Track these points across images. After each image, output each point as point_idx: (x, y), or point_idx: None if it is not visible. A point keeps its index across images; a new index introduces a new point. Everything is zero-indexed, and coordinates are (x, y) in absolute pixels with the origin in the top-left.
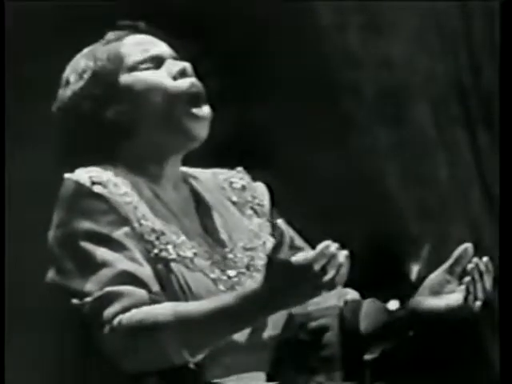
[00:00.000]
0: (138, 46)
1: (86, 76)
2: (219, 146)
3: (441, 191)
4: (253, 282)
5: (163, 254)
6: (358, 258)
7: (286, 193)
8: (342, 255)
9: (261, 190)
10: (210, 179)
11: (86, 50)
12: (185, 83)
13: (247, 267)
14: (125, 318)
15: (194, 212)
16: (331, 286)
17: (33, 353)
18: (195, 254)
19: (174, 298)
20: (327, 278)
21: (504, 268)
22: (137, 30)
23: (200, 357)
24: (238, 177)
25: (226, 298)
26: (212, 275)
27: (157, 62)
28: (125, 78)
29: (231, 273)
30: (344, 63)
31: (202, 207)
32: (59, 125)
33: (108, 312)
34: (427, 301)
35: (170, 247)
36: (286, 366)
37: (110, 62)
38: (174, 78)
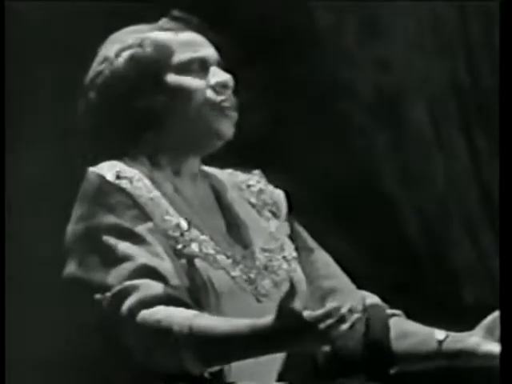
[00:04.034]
0: (188, 45)
1: (125, 55)
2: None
3: (438, 192)
4: (270, 283)
5: (187, 249)
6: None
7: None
8: (351, 319)
9: (278, 195)
10: (227, 179)
11: (132, 28)
12: (223, 97)
13: (265, 268)
14: (147, 313)
15: (215, 209)
16: (329, 341)
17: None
18: (217, 251)
19: (196, 294)
20: (330, 336)
21: (504, 268)
22: (189, 25)
23: (215, 369)
24: (255, 180)
25: (239, 324)
26: (233, 273)
27: (202, 65)
28: (167, 74)
29: (251, 272)
30: (341, 64)
31: (222, 205)
32: (87, 100)
33: (125, 305)
34: (485, 346)
35: (193, 244)
36: (300, 371)
37: (155, 52)
38: (214, 89)
